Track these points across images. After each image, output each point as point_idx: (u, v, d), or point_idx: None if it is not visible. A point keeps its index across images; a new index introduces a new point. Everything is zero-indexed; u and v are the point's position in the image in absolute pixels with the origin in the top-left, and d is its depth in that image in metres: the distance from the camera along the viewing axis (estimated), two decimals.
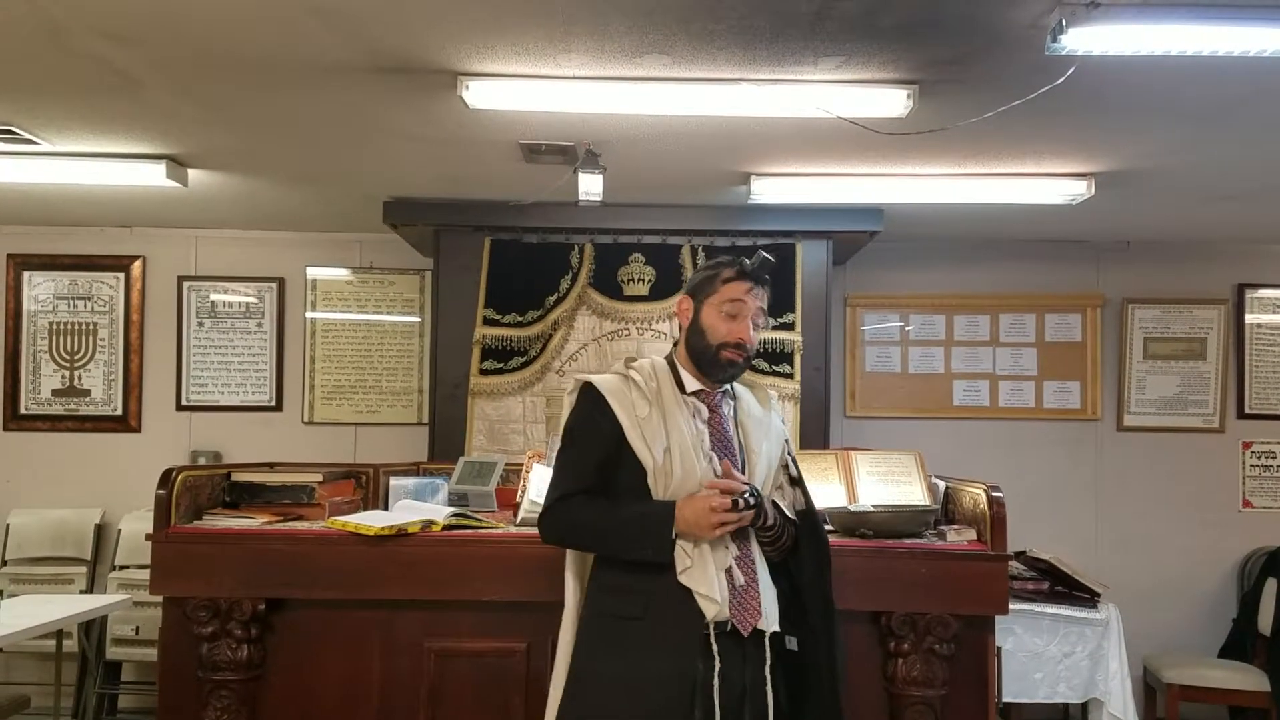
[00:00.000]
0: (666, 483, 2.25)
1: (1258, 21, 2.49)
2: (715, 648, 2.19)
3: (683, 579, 2.21)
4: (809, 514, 2.37)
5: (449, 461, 3.79)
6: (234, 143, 3.89)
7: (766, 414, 2.42)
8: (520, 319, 4.73)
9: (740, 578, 2.24)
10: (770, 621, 2.26)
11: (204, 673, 2.75)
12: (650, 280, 4.77)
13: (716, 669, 2.18)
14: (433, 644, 2.79)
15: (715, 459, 2.28)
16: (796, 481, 2.41)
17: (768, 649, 2.24)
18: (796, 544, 2.33)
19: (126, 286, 5.50)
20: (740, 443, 2.34)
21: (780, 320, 4.70)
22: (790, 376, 4.68)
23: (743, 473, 2.28)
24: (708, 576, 2.21)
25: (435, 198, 4.67)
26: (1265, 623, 4.97)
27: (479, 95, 3.11)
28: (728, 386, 2.39)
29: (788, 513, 2.35)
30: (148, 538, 2.82)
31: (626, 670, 2.21)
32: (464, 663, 2.78)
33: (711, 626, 2.20)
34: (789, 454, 2.44)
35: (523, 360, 4.71)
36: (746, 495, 2.19)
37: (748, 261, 2.34)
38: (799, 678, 2.30)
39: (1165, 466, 5.44)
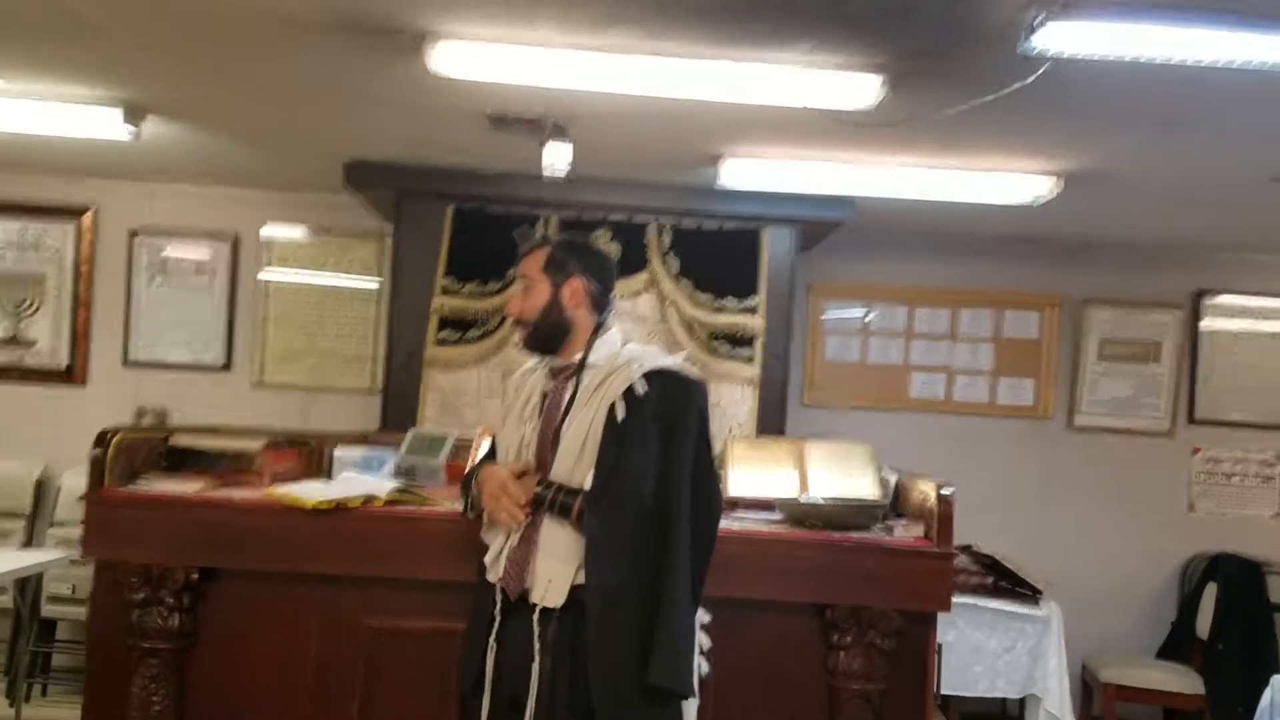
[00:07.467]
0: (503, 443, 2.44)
1: (1230, 26, 2.48)
2: (497, 610, 2.27)
3: (484, 537, 2.37)
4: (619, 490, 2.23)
5: (400, 432, 3.71)
6: (192, 94, 3.77)
7: (604, 386, 2.29)
8: (480, 289, 4.65)
9: (514, 540, 2.28)
10: (544, 593, 2.22)
11: (134, 639, 2.68)
12: (615, 256, 4.70)
13: (494, 631, 2.27)
14: (372, 621, 2.74)
15: (529, 429, 2.35)
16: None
17: (534, 621, 2.22)
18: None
19: (77, 237, 5.35)
20: (564, 416, 2.31)
21: (744, 304, 4.67)
22: (751, 361, 4.64)
23: (554, 446, 2.29)
24: (494, 537, 2.33)
25: (398, 162, 4.56)
26: (1203, 627, 5.05)
27: (444, 61, 3.02)
28: (591, 361, 2.33)
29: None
30: (80, 499, 2.75)
31: (468, 630, 2.37)
32: (403, 641, 2.73)
33: (498, 589, 2.28)
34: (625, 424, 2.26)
35: (480, 332, 4.65)
36: (538, 490, 2.27)
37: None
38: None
39: (1114, 467, 5.49)
